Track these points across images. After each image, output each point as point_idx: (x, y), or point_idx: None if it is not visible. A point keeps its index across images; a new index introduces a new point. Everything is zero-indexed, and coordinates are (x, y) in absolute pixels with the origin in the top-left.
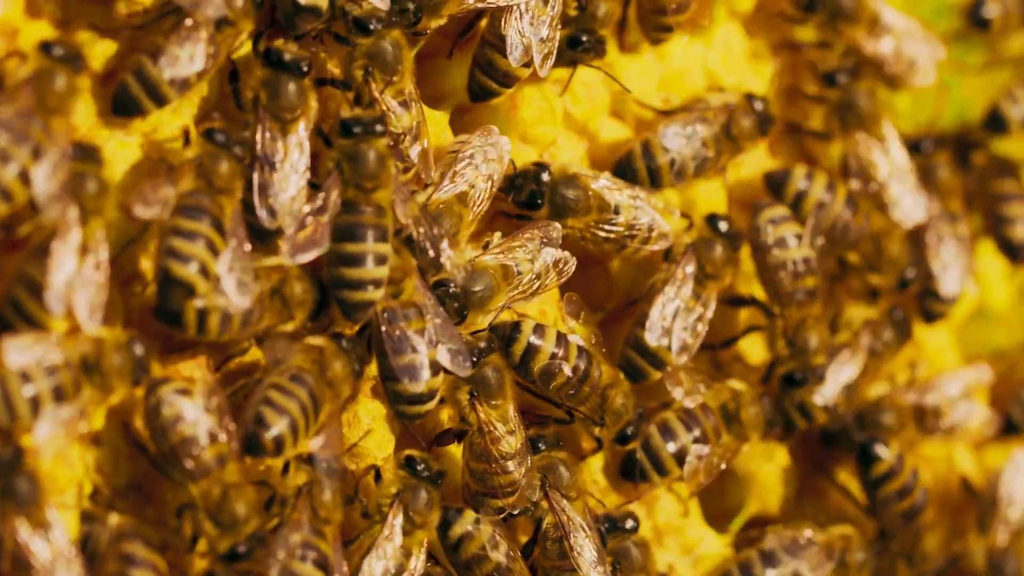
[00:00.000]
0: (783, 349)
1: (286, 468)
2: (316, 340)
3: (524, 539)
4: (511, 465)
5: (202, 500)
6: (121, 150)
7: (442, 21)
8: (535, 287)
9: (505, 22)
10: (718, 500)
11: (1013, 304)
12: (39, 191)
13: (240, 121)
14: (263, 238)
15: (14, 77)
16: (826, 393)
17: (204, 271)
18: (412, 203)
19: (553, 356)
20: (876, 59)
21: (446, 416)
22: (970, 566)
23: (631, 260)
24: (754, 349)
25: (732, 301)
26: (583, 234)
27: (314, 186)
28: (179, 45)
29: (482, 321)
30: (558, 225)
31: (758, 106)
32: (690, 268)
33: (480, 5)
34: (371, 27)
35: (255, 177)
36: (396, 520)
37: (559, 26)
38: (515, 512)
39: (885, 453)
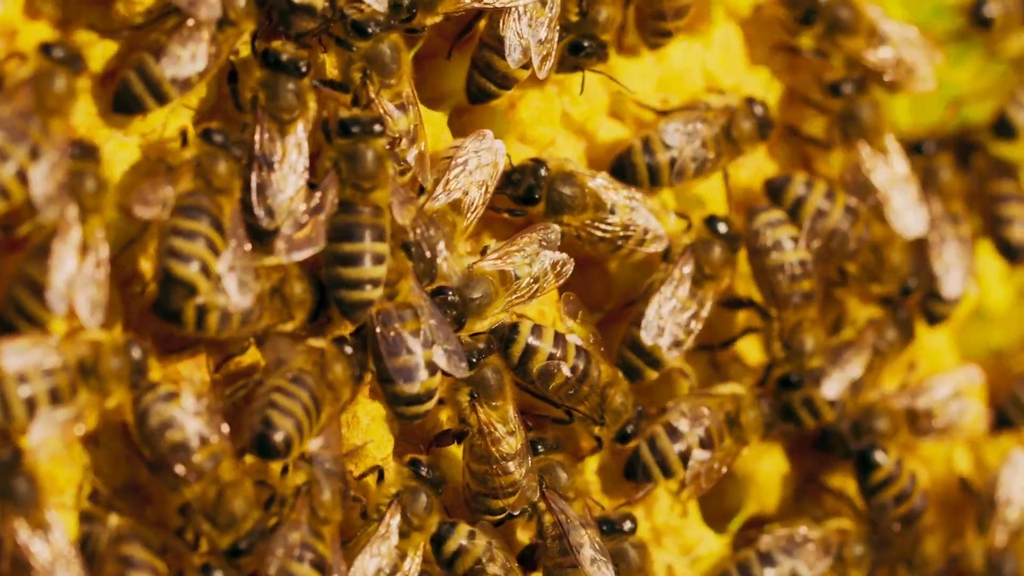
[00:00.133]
0: (779, 352)
1: (285, 468)
2: (318, 342)
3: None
4: (512, 466)
5: (198, 502)
6: (120, 150)
7: (437, 18)
8: (533, 291)
9: (503, 24)
10: (717, 501)
11: (1011, 305)
12: (36, 191)
13: (239, 122)
14: (262, 238)
15: (13, 77)
16: (833, 389)
17: (205, 270)
18: (410, 204)
19: (551, 356)
20: (876, 68)
21: (445, 417)
22: (968, 566)
23: (629, 261)
24: (751, 350)
25: (730, 303)
26: (579, 233)
27: (313, 186)
28: (181, 44)
29: (480, 327)
30: (556, 227)
31: (758, 110)
32: (688, 269)
33: (477, 5)
34: (369, 31)
35: (253, 177)
36: (393, 520)
37: (557, 27)
38: (515, 513)
39: (884, 459)
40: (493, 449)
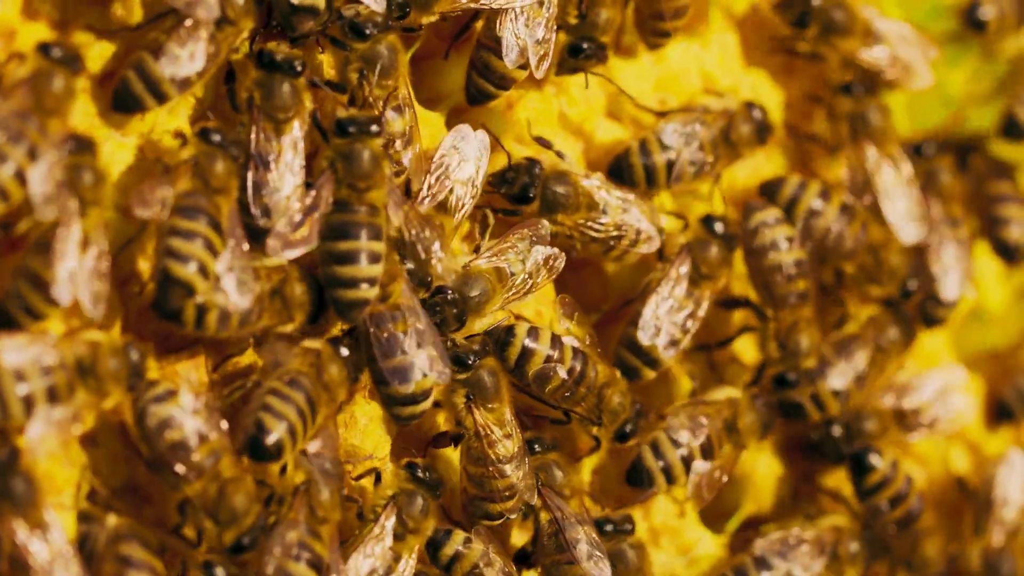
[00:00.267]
0: (774, 352)
1: (284, 467)
2: (313, 343)
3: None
4: (508, 469)
5: (199, 500)
6: (118, 151)
7: (433, 17)
8: (528, 287)
9: (500, 24)
10: (714, 501)
11: (1008, 305)
12: (35, 192)
13: (236, 121)
14: (258, 238)
15: (11, 77)
16: (840, 380)
17: (203, 270)
18: (405, 205)
19: (548, 358)
20: (873, 68)
21: (442, 419)
22: (966, 566)
23: (622, 263)
24: (748, 349)
25: (726, 303)
26: (571, 232)
27: (310, 185)
28: (180, 44)
29: (479, 326)
30: (546, 222)
31: (757, 114)
32: (684, 268)
33: (473, 5)
34: (367, 32)
35: (249, 176)
36: (388, 522)
37: (555, 28)
38: (511, 516)
39: (878, 462)
40: (490, 452)
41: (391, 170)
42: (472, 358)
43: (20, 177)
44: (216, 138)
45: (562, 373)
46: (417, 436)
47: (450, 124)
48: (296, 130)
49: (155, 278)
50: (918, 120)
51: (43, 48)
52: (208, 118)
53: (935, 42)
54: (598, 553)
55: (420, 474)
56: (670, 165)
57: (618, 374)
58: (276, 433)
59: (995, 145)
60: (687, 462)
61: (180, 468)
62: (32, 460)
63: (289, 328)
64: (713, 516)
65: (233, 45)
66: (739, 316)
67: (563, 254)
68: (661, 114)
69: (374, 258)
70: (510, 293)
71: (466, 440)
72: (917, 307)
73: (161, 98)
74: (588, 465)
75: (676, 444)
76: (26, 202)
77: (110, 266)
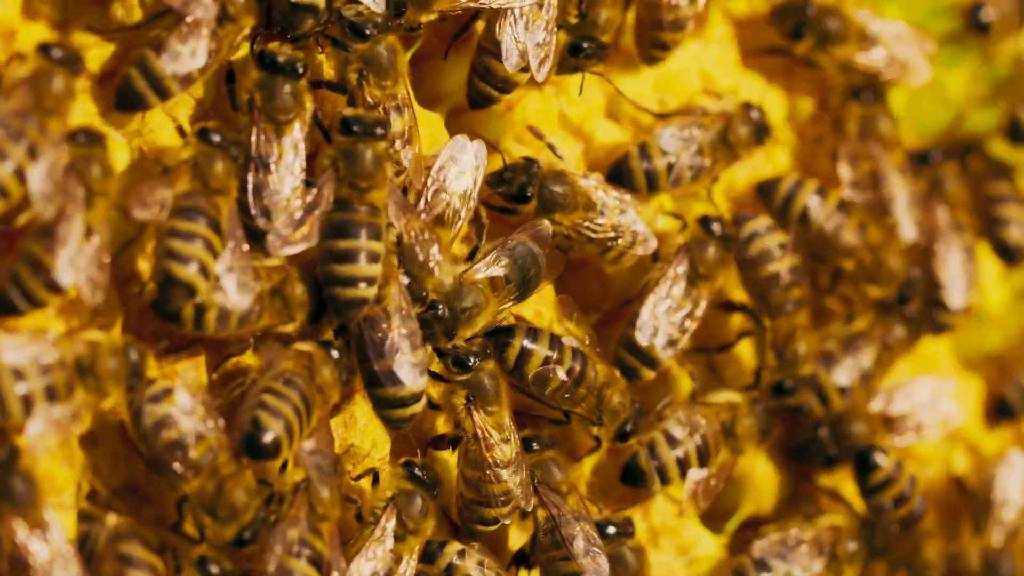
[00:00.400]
0: (772, 361)
1: (284, 465)
2: (305, 346)
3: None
4: (505, 474)
5: (198, 497)
6: (118, 151)
7: (432, 16)
8: (527, 292)
9: (499, 28)
10: (713, 501)
11: (1008, 306)
12: (35, 190)
13: (236, 122)
14: (258, 239)
15: (12, 77)
16: (845, 376)
17: (204, 271)
18: (406, 206)
19: (547, 359)
20: (871, 71)
21: (441, 421)
22: (965, 566)
23: (618, 266)
24: (748, 352)
25: (725, 306)
26: (569, 232)
27: (310, 185)
28: (181, 40)
29: (471, 333)
30: (547, 222)
31: (755, 115)
32: (682, 268)
33: (473, 5)
34: (367, 32)
35: (250, 178)
36: (388, 523)
37: (555, 30)
38: (507, 522)
39: (884, 461)
40: (487, 455)
41: (392, 170)
42: (473, 360)
43: (20, 175)
44: (215, 138)
45: (561, 374)
46: (416, 436)
47: (449, 124)
48: (297, 132)
49: (156, 279)
50: (918, 121)
51: (43, 48)
52: (208, 118)
53: (934, 42)
54: (595, 549)
55: (417, 472)
56: (670, 169)
57: (617, 373)
58: (273, 431)
59: (994, 146)
60: (682, 463)
61: (178, 467)
62: (31, 459)
63: (290, 328)
64: (713, 516)
65: (235, 42)
66: (738, 319)
67: (563, 255)
68: (660, 115)
69: (373, 257)
70: (506, 303)
71: (464, 443)
72: (923, 314)
73: (164, 95)
74: (588, 465)
75: (672, 445)
76: (26, 198)
77: (110, 257)
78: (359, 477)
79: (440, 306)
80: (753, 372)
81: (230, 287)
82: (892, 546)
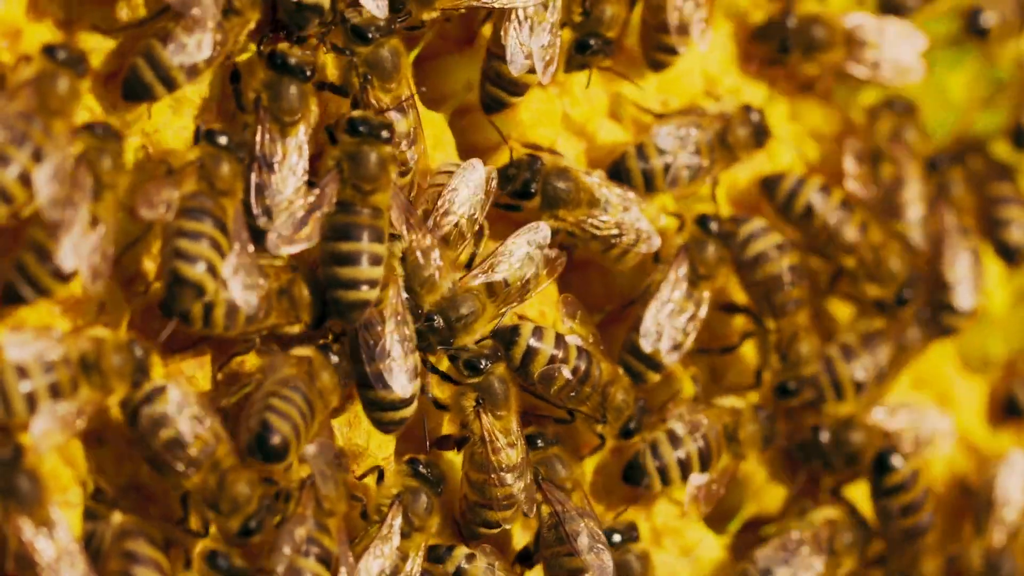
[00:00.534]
0: (775, 363)
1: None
2: (305, 351)
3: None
4: (509, 478)
5: (200, 492)
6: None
7: (435, 14)
8: (525, 292)
9: (504, 33)
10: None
11: (1010, 307)
12: (41, 195)
13: (240, 122)
14: (262, 239)
15: (16, 78)
16: (862, 372)
17: (212, 270)
18: (409, 209)
19: (553, 358)
20: (863, 75)
21: (446, 421)
22: (967, 566)
23: (621, 266)
24: (751, 352)
25: (726, 308)
26: (572, 229)
27: (312, 185)
28: (187, 32)
29: (469, 340)
30: (545, 224)
31: (755, 117)
32: (683, 270)
33: (476, 4)
34: (369, 36)
35: (253, 178)
36: (395, 521)
37: (559, 32)
38: (507, 526)
39: (900, 464)
40: (493, 459)
41: (396, 172)
42: (484, 363)
43: (24, 179)
44: (222, 140)
45: (566, 373)
46: (420, 437)
47: (454, 124)
48: (301, 134)
49: (164, 279)
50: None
51: (48, 50)
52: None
53: (935, 45)
54: (599, 545)
55: (422, 470)
56: (667, 168)
57: (621, 371)
58: (282, 432)
59: (996, 147)
60: (684, 464)
61: (179, 465)
62: (37, 457)
63: (296, 329)
64: (715, 517)
65: (240, 35)
66: (740, 320)
67: (564, 254)
68: (660, 116)
69: (375, 260)
70: (505, 306)
71: (470, 445)
72: (930, 317)
73: (171, 86)
74: (591, 465)
75: (674, 446)
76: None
77: (114, 249)
78: (363, 475)
79: (435, 317)
80: (755, 373)
81: (236, 290)
82: (892, 554)
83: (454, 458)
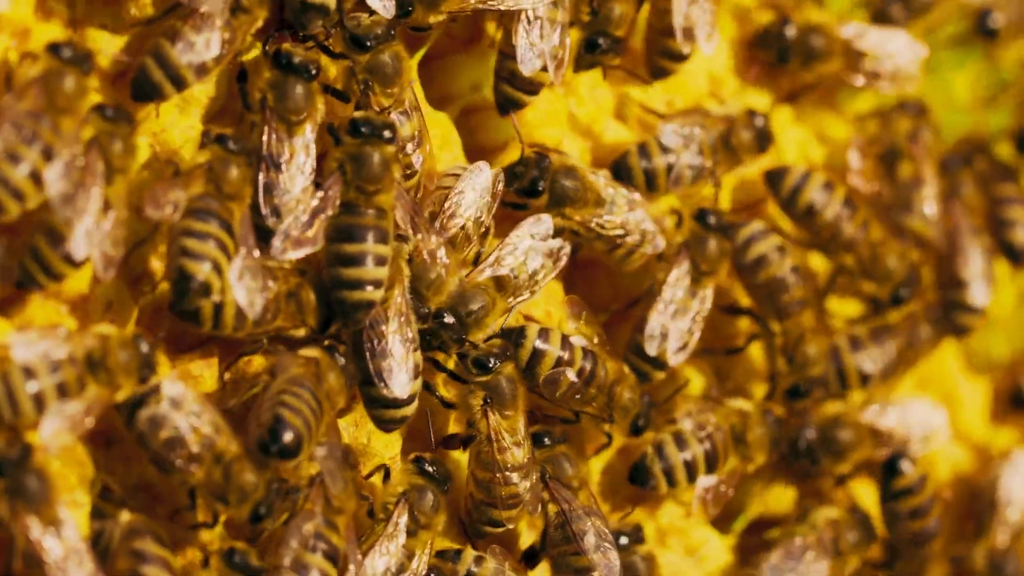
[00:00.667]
0: (782, 366)
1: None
2: (312, 352)
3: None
4: (515, 477)
5: (206, 487)
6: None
7: (441, 17)
8: (534, 285)
9: (515, 33)
10: None
11: (1014, 307)
12: (53, 193)
13: (248, 121)
14: (268, 239)
15: (23, 77)
16: (870, 364)
17: (218, 270)
18: (414, 209)
19: (559, 359)
20: (862, 84)
21: (452, 420)
22: (971, 567)
23: (626, 268)
24: (757, 355)
25: (729, 310)
26: (578, 228)
27: (319, 186)
28: (195, 31)
29: (482, 336)
30: (547, 217)
31: (759, 121)
32: (684, 268)
33: (482, 6)
34: (368, 44)
35: (260, 177)
36: (401, 519)
37: (568, 32)
38: (511, 526)
39: (909, 469)
40: (499, 458)
41: (401, 173)
42: (493, 361)
43: (35, 177)
44: (233, 145)
45: (572, 375)
46: (426, 436)
47: (460, 124)
48: (308, 133)
49: (170, 278)
50: None
51: (53, 48)
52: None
53: (939, 46)
54: (606, 544)
55: (427, 468)
56: (669, 168)
57: (627, 369)
58: (295, 427)
59: (1000, 148)
60: (690, 466)
61: (180, 462)
62: (45, 457)
63: (302, 332)
64: (720, 517)
65: (249, 33)
66: (745, 322)
67: (568, 244)
68: (663, 116)
69: (380, 261)
70: (514, 299)
71: (476, 444)
72: (943, 317)
73: (180, 84)
74: (598, 466)
75: (681, 448)
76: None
77: (127, 234)
78: (370, 475)
79: (444, 314)
80: (767, 379)
81: (242, 289)
82: (899, 561)
83: (461, 457)
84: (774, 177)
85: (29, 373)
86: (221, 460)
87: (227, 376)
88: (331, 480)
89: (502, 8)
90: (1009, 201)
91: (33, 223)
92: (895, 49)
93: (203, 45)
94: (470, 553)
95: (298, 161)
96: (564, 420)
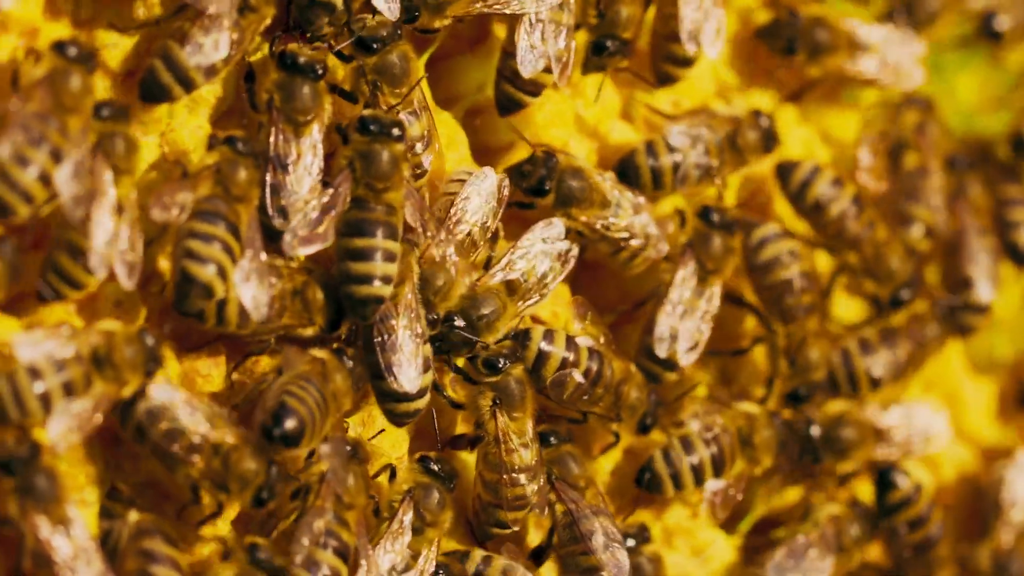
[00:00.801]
0: (785, 368)
1: (310, 454)
2: (320, 353)
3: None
4: (522, 478)
5: (207, 477)
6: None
7: (446, 21)
8: (544, 289)
9: (517, 34)
10: None
11: (1018, 309)
12: (64, 195)
13: (255, 121)
14: (276, 239)
15: (29, 77)
16: (880, 367)
17: (222, 272)
18: (423, 207)
19: (564, 361)
20: (864, 79)
21: (460, 419)
22: (975, 567)
23: (630, 272)
24: (762, 359)
25: (734, 300)
26: (583, 229)
27: (327, 185)
28: (203, 32)
29: (492, 340)
30: (557, 220)
31: (764, 122)
32: (691, 268)
33: (486, 10)
34: (375, 47)
35: (267, 178)
36: (406, 516)
37: (573, 35)
38: (516, 528)
39: (904, 482)
40: (506, 459)
41: (410, 172)
42: (503, 362)
43: (44, 179)
44: (242, 147)
45: (578, 376)
46: (434, 436)
47: (467, 124)
48: (315, 133)
49: (173, 278)
50: None
51: (58, 46)
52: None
53: (943, 47)
54: (614, 544)
55: (433, 466)
56: (676, 167)
57: (633, 368)
58: (299, 414)
59: (1002, 150)
60: (697, 470)
61: (180, 453)
62: (54, 456)
63: (309, 331)
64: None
65: (258, 32)
66: (752, 323)
67: (575, 246)
68: (670, 117)
69: (389, 256)
70: (524, 303)
71: (484, 445)
72: (949, 317)
73: (189, 86)
74: (605, 466)
75: (688, 452)
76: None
77: (142, 234)
78: (376, 474)
79: (455, 317)
80: (766, 380)
81: (248, 292)
82: (906, 567)
83: (469, 458)
84: (784, 170)
85: (35, 373)
86: (220, 450)
87: (235, 376)
88: (334, 476)
89: (507, 12)
90: (1014, 203)
91: (50, 240)
92: (896, 44)
93: (211, 46)
94: (477, 553)
95: (305, 162)
96: (571, 420)
